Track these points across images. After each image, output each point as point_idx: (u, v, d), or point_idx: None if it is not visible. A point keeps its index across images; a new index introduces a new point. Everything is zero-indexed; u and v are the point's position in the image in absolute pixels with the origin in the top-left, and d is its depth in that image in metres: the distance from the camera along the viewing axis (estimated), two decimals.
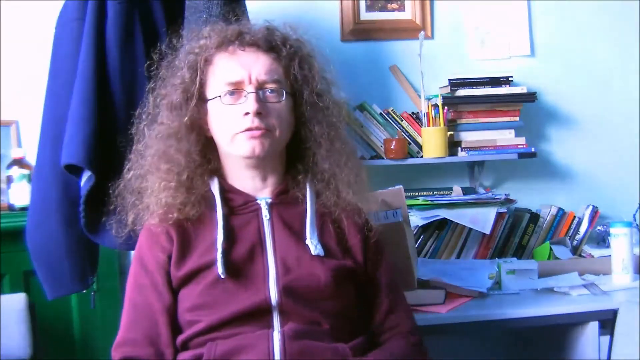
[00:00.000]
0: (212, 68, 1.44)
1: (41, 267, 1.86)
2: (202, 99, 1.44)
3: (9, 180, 2.22)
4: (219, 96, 1.41)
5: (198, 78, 1.43)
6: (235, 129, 1.40)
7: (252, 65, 1.41)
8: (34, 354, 1.93)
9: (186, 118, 1.43)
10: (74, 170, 1.76)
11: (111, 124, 1.78)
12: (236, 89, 1.41)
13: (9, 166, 2.24)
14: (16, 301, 1.95)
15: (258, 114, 1.38)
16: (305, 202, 1.46)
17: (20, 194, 2.20)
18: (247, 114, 1.39)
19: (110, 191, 1.50)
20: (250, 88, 1.40)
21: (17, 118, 2.34)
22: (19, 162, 2.24)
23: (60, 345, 2.23)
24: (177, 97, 1.44)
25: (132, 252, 2.17)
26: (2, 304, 1.91)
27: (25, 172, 2.22)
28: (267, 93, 1.41)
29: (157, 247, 1.42)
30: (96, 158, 1.74)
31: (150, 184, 1.44)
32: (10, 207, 2.22)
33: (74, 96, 1.78)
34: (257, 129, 1.39)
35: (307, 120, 1.46)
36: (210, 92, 1.44)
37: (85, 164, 1.73)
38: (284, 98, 1.42)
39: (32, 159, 2.08)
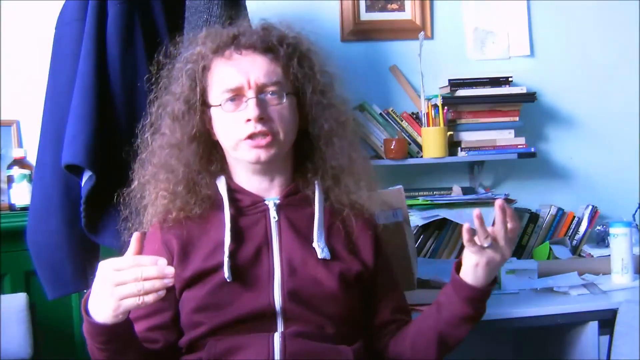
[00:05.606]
0: (210, 75, 1.41)
1: (42, 267, 1.86)
2: (206, 105, 1.42)
3: (10, 180, 2.22)
4: (220, 104, 1.39)
5: (198, 88, 1.41)
6: (238, 136, 1.37)
7: (250, 69, 1.38)
8: (34, 354, 1.92)
9: (195, 130, 1.41)
10: (75, 170, 1.77)
11: (111, 124, 1.79)
12: (236, 95, 1.38)
13: (10, 166, 2.24)
14: (16, 301, 1.94)
15: (260, 119, 1.36)
16: (314, 204, 1.44)
17: (21, 194, 2.20)
18: (249, 120, 1.36)
19: (115, 201, 1.48)
20: (250, 93, 1.37)
21: (18, 118, 2.35)
22: (20, 162, 2.24)
23: (60, 345, 2.23)
24: (178, 107, 1.42)
25: None
26: (2, 304, 1.90)
27: (26, 172, 2.21)
28: (268, 96, 1.38)
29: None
30: (97, 158, 1.74)
31: (148, 193, 1.44)
32: (11, 207, 2.22)
33: (75, 96, 1.78)
34: (260, 133, 1.36)
35: (313, 118, 1.44)
36: (211, 99, 1.41)
37: (85, 164, 1.73)
38: (284, 100, 1.40)
39: (32, 159, 2.08)
